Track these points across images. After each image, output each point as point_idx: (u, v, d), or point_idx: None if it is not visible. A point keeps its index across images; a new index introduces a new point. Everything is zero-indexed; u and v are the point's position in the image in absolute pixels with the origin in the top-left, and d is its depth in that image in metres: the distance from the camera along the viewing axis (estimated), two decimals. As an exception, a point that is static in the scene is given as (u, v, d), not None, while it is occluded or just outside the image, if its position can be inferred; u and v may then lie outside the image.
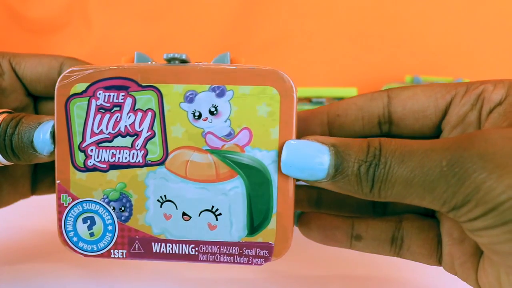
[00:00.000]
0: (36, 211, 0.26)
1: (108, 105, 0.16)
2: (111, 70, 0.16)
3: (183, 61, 0.17)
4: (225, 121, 0.16)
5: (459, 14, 0.44)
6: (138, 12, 0.44)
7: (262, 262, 0.16)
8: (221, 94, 0.16)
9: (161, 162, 0.16)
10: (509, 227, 0.12)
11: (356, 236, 0.18)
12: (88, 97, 0.16)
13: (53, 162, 0.17)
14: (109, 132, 0.16)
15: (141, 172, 0.16)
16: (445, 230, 0.17)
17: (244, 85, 0.16)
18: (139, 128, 0.16)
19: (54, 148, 0.17)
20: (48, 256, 0.24)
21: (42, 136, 0.16)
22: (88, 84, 0.16)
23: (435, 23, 0.44)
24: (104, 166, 0.17)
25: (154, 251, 0.17)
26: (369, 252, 0.18)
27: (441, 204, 0.13)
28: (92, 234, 0.17)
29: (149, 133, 0.16)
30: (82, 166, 0.17)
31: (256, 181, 0.16)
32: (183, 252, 0.17)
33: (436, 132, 0.17)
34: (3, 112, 0.17)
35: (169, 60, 0.17)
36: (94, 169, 0.17)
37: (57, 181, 0.17)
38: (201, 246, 0.17)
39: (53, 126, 0.17)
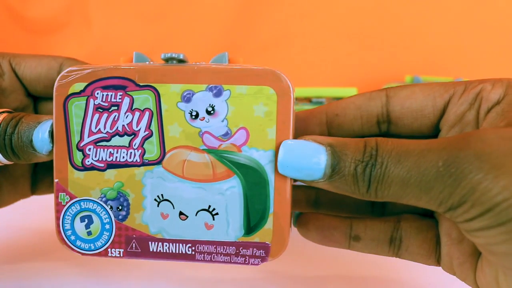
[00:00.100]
0: (34, 210, 0.26)
1: (106, 104, 0.16)
2: (109, 70, 0.16)
3: (181, 61, 0.17)
4: (222, 121, 0.16)
5: (459, 14, 0.44)
6: (138, 12, 0.45)
7: (258, 262, 0.16)
8: (218, 94, 0.16)
9: (158, 162, 0.16)
10: (505, 228, 0.12)
11: (355, 236, 0.18)
12: (86, 97, 0.16)
13: (52, 162, 0.17)
14: (107, 132, 0.17)
15: (138, 171, 0.17)
16: (444, 231, 0.17)
17: (241, 84, 0.16)
18: (137, 127, 0.16)
19: (53, 147, 0.17)
20: (46, 254, 0.24)
21: (41, 135, 0.17)
22: (86, 83, 0.16)
23: (435, 23, 0.44)
24: (102, 165, 0.17)
25: (151, 250, 0.17)
26: (367, 252, 0.18)
27: (437, 205, 0.13)
28: (89, 233, 0.17)
29: (147, 132, 0.16)
30: (80, 165, 0.17)
31: (253, 181, 0.16)
32: (180, 252, 0.17)
33: (434, 131, 0.17)
34: (3, 112, 0.18)
35: (167, 60, 0.17)
36: (92, 168, 0.17)
37: (55, 180, 0.17)
38: (198, 246, 0.17)
39: (52, 125, 0.17)
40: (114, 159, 0.17)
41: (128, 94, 0.16)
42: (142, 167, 0.17)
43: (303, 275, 0.23)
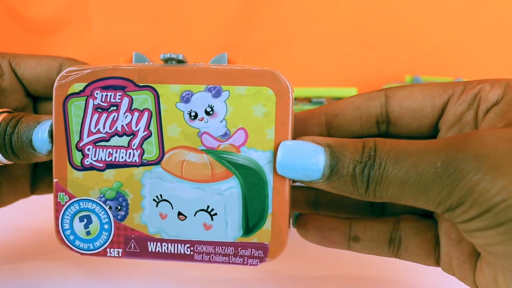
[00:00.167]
0: (34, 210, 0.26)
1: (105, 104, 0.16)
2: (109, 70, 0.16)
3: (180, 62, 0.17)
4: (221, 121, 0.16)
5: (459, 14, 0.44)
6: (138, 12, 0.45)
7: (257, 262, 0.16)
8: (217, 95, 0.16)
9: (157, 162, 0.16)
10: (503, 229, 0.12)
11: (354, 237, 0.18)
12: (86, 97, 0.16)
13: (52, 162, 0.17)
14: (106, 132, 0.17)
15: (137, 171, 0.17)
16: (443, 231, 0.17)
17: (240, 85, 0.16)
18: (136, 127, 0.16)
19: (52, 147, 0.17)
20: (45, 254, 0.24)
21: (40, 135, 0.17)
22: (85, 84, 0.16)
23: (435, 23, 0.44)
24: (101, 165, 0.17)
25: (150, 250, 0.17)
26: (367, 253, 0.18)
27: (436, 205, 0.13)
28: (88, 233, 0.17)
29: (146, 132, 0.16)
30: (79, 165, 0.17)
31: (252, 181, 0.16)
32: (179, 252, 0.17)
33: (433, 132, 0.17)
34: (3, 112, 0.18)
35: (166, 61, 0.17)
36: (91, 168, 0.17)
37: (55, 180, 0.17)
38: (196, 246, 0.17)
39: (51, 125, 0.17)
40: (113, 159, 0.17)
41: (127, 95, 0.16)
42: (141, 167, 0.17)
43: (302, 276, 0.23)
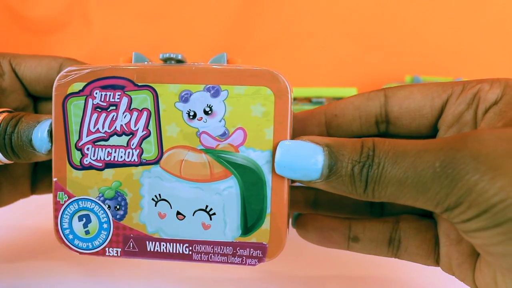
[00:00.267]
0: (33, 209, 0.26)
1: (105, 104, 0.16)
2: (108, 70, 0.16)
3: (179, 61, 0.17)
4: (220, 121, 0.16)
5: (459, 14, 0.43)
6: (138, 12, 0.45)
7: (255, 262, 0.16)
8: (215, 94, 0.16)
9: (156, 161, 0.16)
10: (502, 229, 0.12)
11: (353, 237, 0.18)
12: (85, 96, 0.17)
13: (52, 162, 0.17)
14: (105, 131, 0.17)
15: (136, 171, 0.17)
16: (442, 231, 0.16)
17: (238, 85, 0.16)
18: (135, 127, 0.16)
19: (52, 146, 0.17)
20: (45, 253, 0.24)
21: (40, 134, 0.17)
22: (85, 83, 0.17)
23: (435, 23, 0.44)
24: (100, 164, 0.17)
25: (148, 249, 0.17)
26: (366, 253, 0.18)
27: (434, 205, 0.13)
28: (87, 232, 0.17)
29: (144, 132, 0.16)
30: (79, 164, 0.17)
31: (250, 181, 0.16)
32: (177, 251, 0.17)
33: (432, 131, 0.17)
34: (3, 112, 0.18)
35: (165, 60, 0.17)
36: (90, 167, 0.17)
37: (54, 179, 0.17)
38: (195, 246, 0.17)
39: (51, 124, 0.17)
40: (112, 159, 0.17)
41: (127, 94, 0.16)
42: (140, 167, 0.17)
43: (301, 276, 0.23)
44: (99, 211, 0.17)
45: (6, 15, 0.46)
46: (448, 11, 0.43)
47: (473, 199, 0.12)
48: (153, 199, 0.17)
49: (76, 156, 0.17)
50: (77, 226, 0.17)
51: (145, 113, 0.16)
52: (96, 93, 0.16)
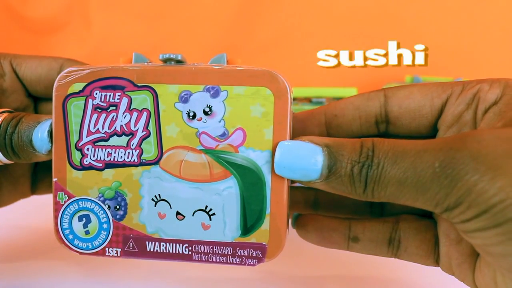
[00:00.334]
0: (33, 209, 0.26)
1: (105, 104, 0.17)
2: (108, 70, 0.16)
3: (179, 62, 0.17)
4: (219, 121, 0.16)
5: (459, 14, 0.43)
6: (138, 12, 0.45)
7: (255, 262, 0.16)
8: (215, 95, 0.16)
9: (155, 162, 0.17)
10: (501, 229, 0.12)
11: (353, 238, 0.18)
12: (85, 97, 0.17)
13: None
14: (105, 131, 0.17)
15: (136, 171, 0.17)
16: (442, 231, 0.16)
17: (238, 85, 0.16)
18: (135, 127, 0.17)
19: (52, 146, 0.17)
20: (44, 253, 0.24)
21: (40, 134, 0.17)
22: (85, 83, 0.17)
23: (435, 23, 0.44)
24: (100, 164, 0.17)
25: (148, 250, 0.17)
26: (366, 253, 0.18)
27: (434, 206, 0.13)
28: (87, 232, 0.17)
29: (144, 132, 0.16)
30: (79, 164, 0.17)
31: (250, 181, 0.16)
32: (177, 252, 0.17)
33: (432, 131, 0.17)
34: (4, 112, 0.18)
35: (165, 61, 0.17)
36: (90, 167, 0.17)
37: (54, 179, 0.17)
38: (195, 246, 0.17)
39: (51, 125, 0.17)
40: (112, 159, 0.17)
41: (127, 94, 0.16)
42: (139, 167, 0.17)
43: (301, 276, 0.23)
44: (99, 211, 0.17)
45: (6, 15, 0.46)
46: (448, 11, 0.43)
47: (473, 199, 0.12)
48: (153, 199, 0.17)
49: (76, 156, 0.17)
50: (77, 226, 0.17)
51: (145, 114, 0.16)
52: (96, 94, 0.17)
